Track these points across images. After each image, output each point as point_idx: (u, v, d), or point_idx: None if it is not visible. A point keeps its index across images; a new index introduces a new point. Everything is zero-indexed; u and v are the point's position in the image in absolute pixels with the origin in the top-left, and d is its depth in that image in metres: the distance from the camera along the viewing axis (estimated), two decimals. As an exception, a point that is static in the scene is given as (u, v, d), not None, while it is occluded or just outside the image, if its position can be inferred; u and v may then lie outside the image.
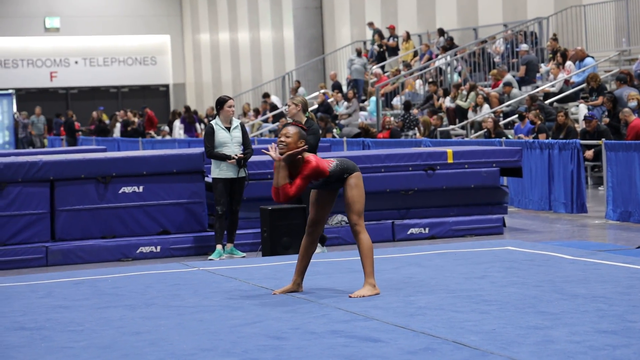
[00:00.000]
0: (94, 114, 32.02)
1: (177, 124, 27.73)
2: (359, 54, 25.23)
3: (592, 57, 18.88)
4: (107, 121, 32.15)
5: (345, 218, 10.73)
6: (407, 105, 20.66)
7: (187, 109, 28.71)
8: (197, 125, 27.80)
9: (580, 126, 16.03)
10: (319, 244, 9.95)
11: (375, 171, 11.05)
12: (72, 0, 38.51)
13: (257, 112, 27.84)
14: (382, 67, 24.89)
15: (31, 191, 10.07)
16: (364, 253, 6.70)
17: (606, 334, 5.21)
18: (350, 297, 6.62)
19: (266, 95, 27.55)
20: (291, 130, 6.69)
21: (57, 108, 35.73)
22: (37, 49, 38.58)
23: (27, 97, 38.31)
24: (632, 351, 4.83)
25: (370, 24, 26.39)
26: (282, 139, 6.65)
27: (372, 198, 11.01)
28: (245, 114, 27.83)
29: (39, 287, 7.74)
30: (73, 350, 5.39)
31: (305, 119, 9.60)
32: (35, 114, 32.21)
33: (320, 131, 11.92)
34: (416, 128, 19.73)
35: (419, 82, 22.82)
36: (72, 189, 10.19)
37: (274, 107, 26.72)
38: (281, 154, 6.62)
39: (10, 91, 36.72)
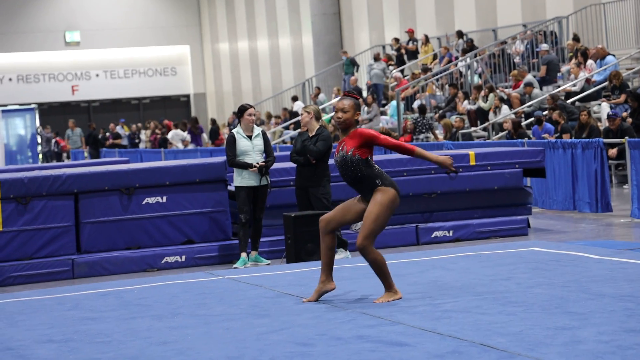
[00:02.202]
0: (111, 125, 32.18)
1: (180, 133, 28.25)
2: (376, 58, 25.25)
3: (613, 55, 18.79)
4: (127, 133, 32.33)
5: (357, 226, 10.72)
6: (422, 109, 20.61)
7: (195, 120, 29.31)
8: (204, 135, 28.45)
9: (602, 125, 15.96)
10: (342, 249, 9.97)
11: (398, 175, 11.04)
12: (91, 14, 38.76)
13: (278, 119, 27.96)
14: (402, 71, 24.89)
15: (56, 204, 10.14)
16: (378, 272, 6.63)
17: (634, 333, 5.18)
18: (374, 302, 6.62)
19: (295, 99, 27.77)
20: (347, 102, 6.65)
21: (80, 121, 35.93)
22: (58, 63, 38.85)
23: (49, 112, 38.59)
24: (661, 349, 4.80)
25: (344, 53, 26.98)
26: (340, 114, 6.62)
27: (396, 202, 11.00)
28: (268, 121, 27.99)
29: (66, 299, 7.79)
30: (101, 361, 5.42)
31: (318, 126, 9.93)
32: (70, 127, 31.94)
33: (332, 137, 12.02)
34: (430, 132, 19.67)
35: (435, 85, 22.79)
36: (96, 201, 10.25)
37: (295, 114, 26.80)
38: (340, 126, 6.60)
39: (32, 106, 37.00)
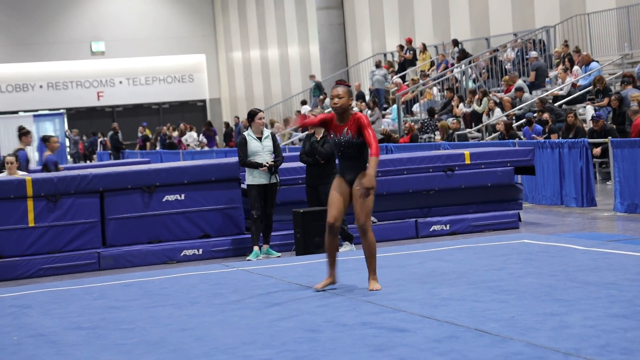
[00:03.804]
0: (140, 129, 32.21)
1: (195, 136, 28.63)
2: (377, 65, 25.23)
3: (597, 62, 18.75)
4: (149, 135, 32.35)
5: (375, 219, 10.71)
6: (431, 112, 20.66)
7: (209, 123, 29.64)
8: (217, 137, 29.21)
9: (587, 126, 15.93)
10: (347, 242, 9.97)
11: (398, 173, 11.04)
12: (115, 25, 38.82)
13: (286, 122, 27.98)
14: (403, 77, 24.87)
15: (83, 202, 10.15)
16: (371, 254, 6.63)
17: (617, 318, 5.18)
18: (372, 290, 6.60)
19: (303, 103, 27.81)
20: (341, 90, 6.68)
21: (105, 125, 36.03)
22: (84, 71, 38.92)
23: (76, 116, 38.68)
24: (642, 334, 4.79)
25: (312, 77, 27.11)
26: (336, 100, 6.65)
27: (396, 198, 11.01)
28: (272, 125, 28.01)
29: (92, 289, 7.81)
30: (126, 346, 5.44)
31: (322, 129, 9.85)
32: (114, 131, 31.77)
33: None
34: (436, 132, 19.68)
35: (435, 89, 22.79)
36: (120, 198, 10.26)
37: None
38: (336, 111, 6.66)
39: (61, 111, 37.07)
